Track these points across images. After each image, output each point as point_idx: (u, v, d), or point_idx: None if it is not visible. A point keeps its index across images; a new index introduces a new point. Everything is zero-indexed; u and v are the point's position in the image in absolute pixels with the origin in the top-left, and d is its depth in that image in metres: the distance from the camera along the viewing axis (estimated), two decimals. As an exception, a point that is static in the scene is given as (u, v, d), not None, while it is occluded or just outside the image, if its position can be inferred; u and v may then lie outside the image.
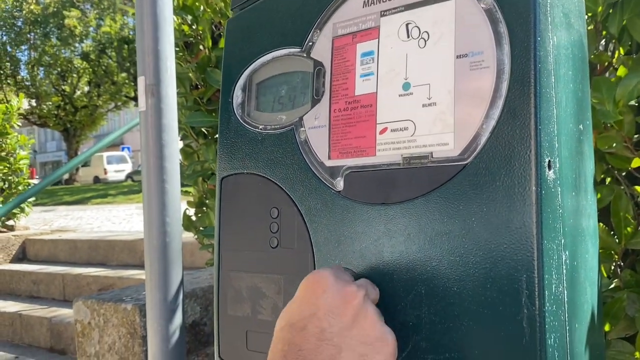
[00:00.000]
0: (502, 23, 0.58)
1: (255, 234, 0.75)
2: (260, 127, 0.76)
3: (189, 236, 2.16)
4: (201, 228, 2.09)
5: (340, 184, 0.67)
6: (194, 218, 2.12)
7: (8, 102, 5.30)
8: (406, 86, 0.63)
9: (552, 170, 0.57)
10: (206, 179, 1.98)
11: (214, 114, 1.84)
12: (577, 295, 0.64)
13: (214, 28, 1.90)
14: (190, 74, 1.84)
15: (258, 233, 0.74)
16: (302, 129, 0.71)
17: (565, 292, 0.59)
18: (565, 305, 0.58)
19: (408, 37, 0.64)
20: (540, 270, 0.53)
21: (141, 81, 1.13)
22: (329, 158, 0.69)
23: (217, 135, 1.94)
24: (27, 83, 20.76)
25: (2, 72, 19.98)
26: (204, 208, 2.10)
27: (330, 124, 0.69)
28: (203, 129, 1.92)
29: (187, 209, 2.06)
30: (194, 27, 1.91)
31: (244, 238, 0.76)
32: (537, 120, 0.54)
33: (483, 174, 0.57)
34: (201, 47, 1.90)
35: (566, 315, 0.58)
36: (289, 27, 0.75)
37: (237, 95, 0.79)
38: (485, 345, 0.56)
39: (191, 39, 1.95)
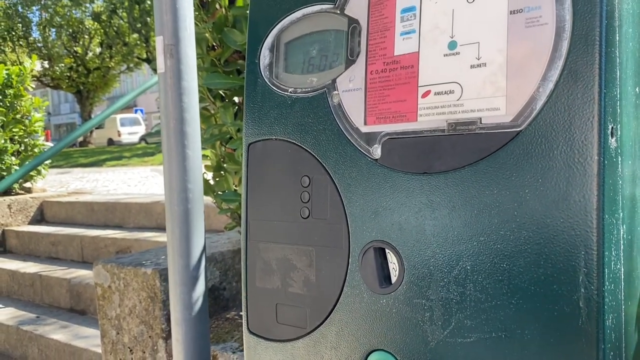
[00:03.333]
0: (564, -26, 0.52)
1: (285, 203, 0.71)
2: (290, 90, 0.71)
3: (206, 199, 2.15)
4: (219, 192, 2.06)
5: (377, 151, 0.63)
6: (211, 182, 2.10)
7: (21, 63, 5.27)
8: (452, 45, 0.58)
9: (614, 138, 0.52)
10: (224, 142, 1.95)
11: (231, 76, 1.79)
12: (632, 272, 0.60)
13: (231, -15, 1.83)
14: (207, 35, 1.79)
15: (288, 203, 0.71)
16: (335, 92, 0.67)
17: (622, 269, 0.55)
18: (622, 283, 0.54)
19: (455, -10, 0.59)
20: (600, 246, 0.49)
21: (159, 41, 1.08)
22: (365, 123, 0.64)
23: (235, 98, 1.89)
24: (39, 44, 20.68)
25: (14, 33, 19.90)
26: (222, 172, 2.07)
27: (366, 87, 0.64)
28: (220, 91, 1.87)
29: (204, 172, 2.03)
30: (210, -16, 1.84)
31: (273, 208, 0.72)
32: (602, 82, 0.49)
33: (539, 142, 0.52)
34: (218, 5, 1.83)
35: (622, 294, 0.54)
36: (322, -20, 0.69)
37: (265, 56, 0.74)
38: (537, 326, 0.52)
39: (207, -3, 1.88)
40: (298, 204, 0.70)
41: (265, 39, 0.74)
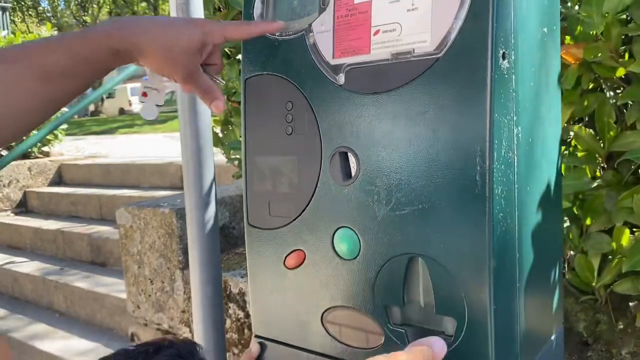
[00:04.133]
0: (471, -61, 0.71)
1: (274, 123, 0.92)
2: (277, 34, 0.91)
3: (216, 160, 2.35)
4: (226, 144, 2.27)
5: (341, 78, 0.83)
6: (220, 135, 2.30)
7: (30, 32, 5.42)
8: (394, -5, 0.78)
9: (506, 60, 0.71)
10: (230, 97, 2.14)
11: (236, 35, 1.97)
12: (530, 165, 0.81)
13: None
14: (213, -3, 1.96)
15: (276, 123, 0.91)
16: (311, 33, 0.86)
17: (516, 158, 0.75)
18: (515, 168, 0.75)
19: (397, -47, 0.78)
20: (491, 137, 0.69)
21: (172, 1, 1.27)
22: (333, 57, 0.84)
23: (239, 56, 2.08)
24: (48, 14, 20.73)
25: (23, 3, 19.92)
26: (229, 126, 2.27)
27: (334, 29, 0.84)
28: (226, 49, 2.06)
29: (213, 126, 2.23)
30: (215, -50, 2.01)
31: (266, 128, 0.93)
32: (494, 18, 0.69)
33: (451, 64, 0.72)
34: (223, -30, 2.01)
35: (515, 176, 0.75)
36: (300, -53, 0.88)
37: (257, 7, 0.94)
38: (448, 196, 0.73)
39: (213, -38, 2.05)
40: (284, 124, 0.90)
41: (258, -6, 0.94)
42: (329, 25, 0.84)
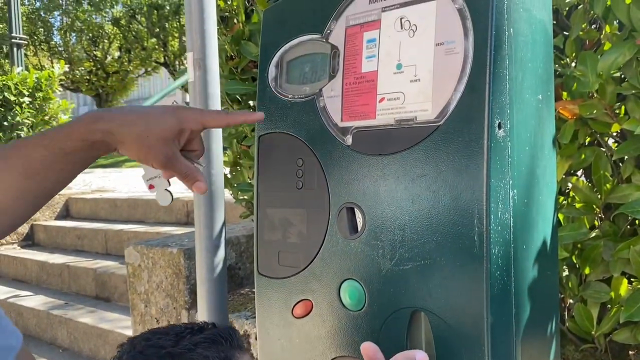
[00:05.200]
0: (469, 20, 0.78)
1: (285, 178, 0.98)
2: (289, 96, 0.98)
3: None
4: (235, 185, 2.33)
5: (349, 140, 0.89)
6: (229, 176, 2.37)
7: (42, 66, 5.58)
8: (399, 66, 0.84)
9: (502, 130, 0.78)
10: (240, 141, 2.21)
11: (247, 83, 2.06)
12: (526, 225, 0.86)
13: (247, 3, 2.10)
14: (226, 46, 2.06)
15: (287, 178, 0.97)
16: (322, 97, 0.93)
17: (512, 219, 0.80)
18: (511, 229, 0.80)
19: (402, 28, 0.85)
20: (488, 200, 0.75)
21: (190, 56, 1.35)
22: (341, 120, 0.90)
23: (250, 102, 2.16)
24: (60, 48, 21.17)
25: (36, 37, 20.38)
26: (238, 167, 2.34)
27: (342, 94, 0.91)
28: (237, 96, 2.15)
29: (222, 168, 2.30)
30: (228, 2, 2.11)
31: (277, 182, 0.99)
32: (490, 92, 0.75)
33: (451, 132, 0.78)
34: (235, 21, 2.11)
35: (511, 236, 0.80)
36: (312, 18, 0.96)
37: (272, 71, 1.01)
38: (449, 254, 0.78)
39: (226, 13, 2.16)
40: (294, 179, 0.96)
41: (272, 58, 1.01)
42: (338, 91, 0.91)
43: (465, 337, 0.77)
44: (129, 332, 2.53)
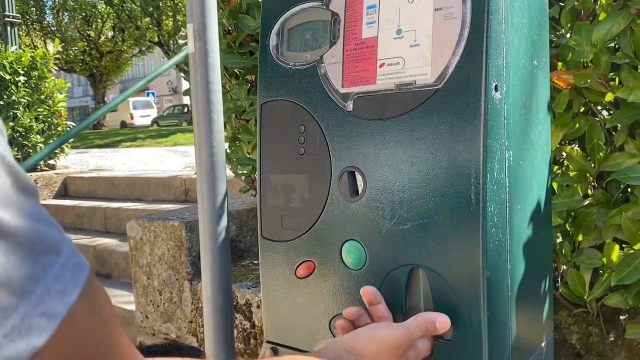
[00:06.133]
0: (467, -15, 0.80)
1: (287, 145, 1.00)
2: (291, 63, 1.00)
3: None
4: (234, 159, 2.36)
5: (350, 105, 0.92)
6: (228, 151, 2.39)
7: (35, 47, 5.55)
8: (399, 31, 0.86)
9: (498, 92, 0.80)
10: (238, 115, 2.23)
11: (244, 56, 2.07)
12: (521, 185, 0.89)
13: (244, -23, 2.10)
14: (224, 20, 2.06)
15: (290, 144, 1.00)
16: (322, 64, 0.95)
17: (507, 179, 0.83)
18: (506, 188, 0.83)
19: (401, -6, 0.87)
20: (484, 160, 0.78)
21: (190, 27, 1.36)
22: (342, 86, 0.93)
23: (247, 76, 2.17)
24: (52, 28, 20.95)
25: (28, 17, 20.13)
26: (237, 142, 2.36)
27: (343, 61, 0.93)
28: (235, 70, 2.16)
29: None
30: (226, -24, 2.11)
31: (280, 148, 1.02)
32: (487, 56, 0.77)
33: (449, 95, 0.81)
34: (233, -6, 2.11)
35: (507, 195, 0.83)
36: (313, -15, 0.97)
37: (273, 39, 1.03)
38: (446, 213, 0.81)
39: (224, -13, 2.16)
40: (296, 145, 0.99)
41: (273, 27, 1.03)
42: (339, 58, 0.93)
43: (462, 292, 0.81)
44: (131, 307, 2.57)
